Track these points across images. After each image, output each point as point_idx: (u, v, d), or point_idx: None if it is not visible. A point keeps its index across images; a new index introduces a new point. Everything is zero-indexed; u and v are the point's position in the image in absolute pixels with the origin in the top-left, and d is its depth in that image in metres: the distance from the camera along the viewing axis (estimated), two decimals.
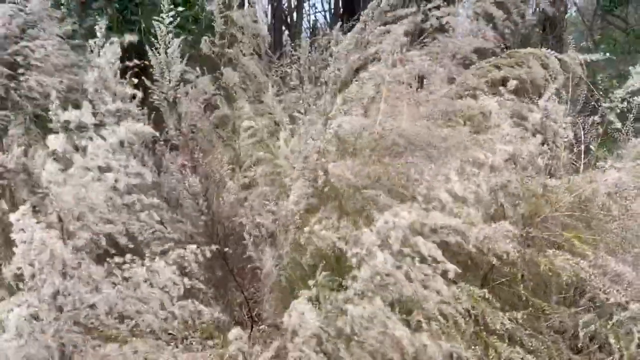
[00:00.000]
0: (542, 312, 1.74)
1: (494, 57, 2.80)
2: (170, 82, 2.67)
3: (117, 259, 1.46)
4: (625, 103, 2.31)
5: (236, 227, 2.47)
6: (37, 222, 1.36)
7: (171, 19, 2.69)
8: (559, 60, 2.74)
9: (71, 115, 1.53)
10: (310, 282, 1.37)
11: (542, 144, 1.83)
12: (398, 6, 2.64)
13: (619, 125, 2.49)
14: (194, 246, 1.56)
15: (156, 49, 2.71)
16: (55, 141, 1.50)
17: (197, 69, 3.30)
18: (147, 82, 2.66)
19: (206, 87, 3.04)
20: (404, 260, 1.29)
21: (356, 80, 2.20)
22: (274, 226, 1.99)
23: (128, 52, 3.10)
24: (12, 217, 1.34)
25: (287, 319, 1.35)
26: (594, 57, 2.66)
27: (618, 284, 1.52)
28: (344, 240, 1.66)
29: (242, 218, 2.08)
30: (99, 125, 1.58)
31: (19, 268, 1.35)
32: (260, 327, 2.16)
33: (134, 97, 2.86)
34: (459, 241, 1.36)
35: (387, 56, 2.18)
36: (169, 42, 2.69)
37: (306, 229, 1.73)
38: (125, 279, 1.46)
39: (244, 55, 3.46)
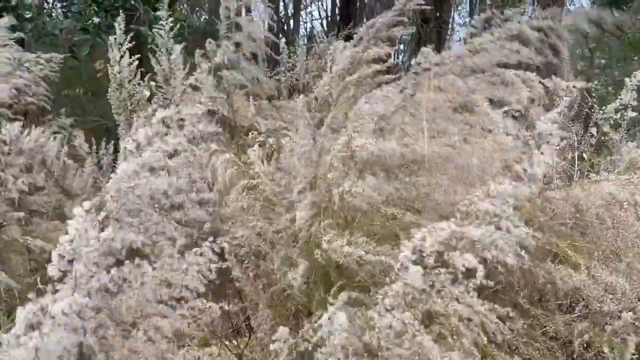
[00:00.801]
0: (539, 320, 1.75)
1: None
2: (174, 88, 2.67)
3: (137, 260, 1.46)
4: (619, 115, 2.34)
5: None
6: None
7: (171, 24, 2.70)
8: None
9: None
10: (332, 300, 1.34)
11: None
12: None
13: (613, 135, 2.51)
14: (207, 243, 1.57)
15: (157, 56, 2.72)
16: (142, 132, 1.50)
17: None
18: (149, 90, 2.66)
19: (210, 91, 3.05)
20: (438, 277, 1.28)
21: (366, 101, 2.19)
22: (267, 246, 1.98)
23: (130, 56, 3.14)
24: (75, 211, 1.35)
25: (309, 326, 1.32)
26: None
27: (612, 293, 1.54)
28: (372, 254, 1.64)
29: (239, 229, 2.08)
30: None
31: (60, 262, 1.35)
32: (258, 335, 2.16)
33: (149, 99, 2.88)
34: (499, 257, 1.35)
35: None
36: (170, 50, 2.69)
37: (324, 245, 1.71)
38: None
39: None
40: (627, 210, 1.64)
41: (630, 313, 1.50)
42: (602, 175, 1.69)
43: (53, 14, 5.82)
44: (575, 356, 1.62)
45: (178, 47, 2.66)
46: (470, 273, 1.28)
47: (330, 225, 1.81)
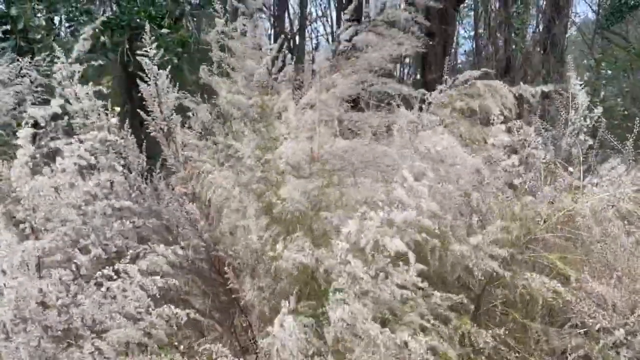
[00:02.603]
0: (535, 333, 1.74)
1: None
2: (162, 112, 2.64)
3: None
4: (588, 120, 2.29)
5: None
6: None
7: (155, 50, 2.64)
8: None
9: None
10: (284, 309, 1.36)
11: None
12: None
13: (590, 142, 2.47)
14: (161, 248, 1.59)
15: (145, 80, 2.68)
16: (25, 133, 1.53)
17: (198, 96, 3.33)
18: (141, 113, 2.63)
19: (204, 116, 3.07)
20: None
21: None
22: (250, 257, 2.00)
23: (131, 76, 3.15)
24: None
25: (264, 343, 1.35)
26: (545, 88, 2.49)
27: (603, 308, 1.52)
28: (309, 258, 1.66)
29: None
30: None
31: None
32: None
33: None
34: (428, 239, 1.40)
35: None
36: (158, 74, 2.65)
37: (270, 253, 1.75)
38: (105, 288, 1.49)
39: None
40: (613, 222, 1.64)
41: (622, 330, 1.49)
42: (588, 189, 1.69)
43: (61, 35, 5.92)
44: None
45: (164, 73, 2.64)
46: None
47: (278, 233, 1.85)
